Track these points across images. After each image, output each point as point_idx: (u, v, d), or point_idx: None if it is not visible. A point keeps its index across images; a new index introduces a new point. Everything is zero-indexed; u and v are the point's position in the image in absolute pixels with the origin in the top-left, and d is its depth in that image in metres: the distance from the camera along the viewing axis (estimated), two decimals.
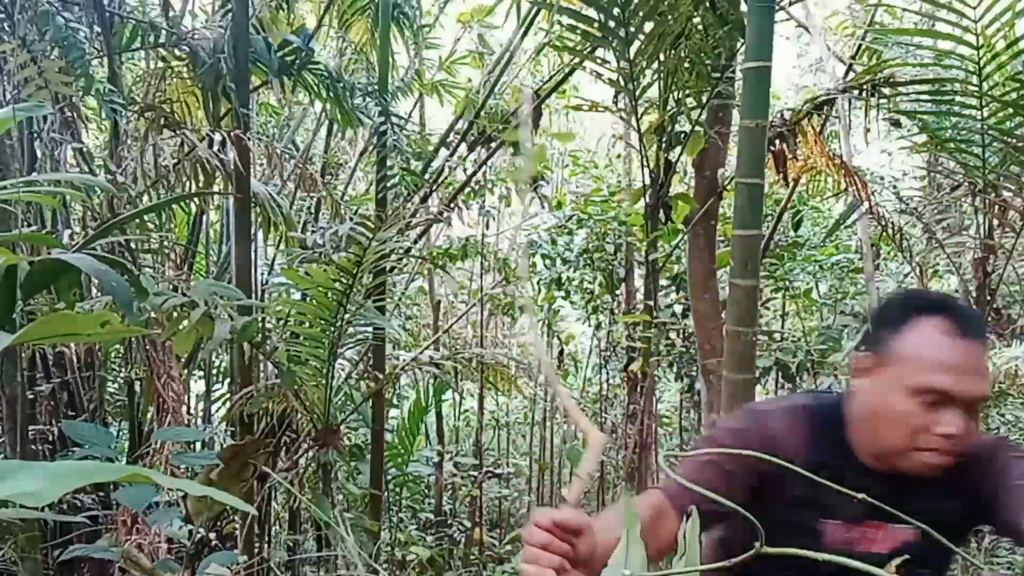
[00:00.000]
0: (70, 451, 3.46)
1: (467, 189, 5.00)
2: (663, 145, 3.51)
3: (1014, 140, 3.25)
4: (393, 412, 6.09)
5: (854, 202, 3.70)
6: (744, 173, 2.21)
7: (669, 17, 3.03)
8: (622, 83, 3.37)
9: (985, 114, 3.17)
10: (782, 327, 5.59)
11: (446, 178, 5.04)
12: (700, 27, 3.14)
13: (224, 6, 3.83)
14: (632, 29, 3.16)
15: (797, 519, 1.33)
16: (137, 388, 3.79)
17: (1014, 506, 1.24)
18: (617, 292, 5.46)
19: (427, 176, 4.73)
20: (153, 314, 2.72)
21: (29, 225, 3.28)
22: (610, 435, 5.55)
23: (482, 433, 6.02)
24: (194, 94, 4.02)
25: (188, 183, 3.50)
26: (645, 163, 3.56)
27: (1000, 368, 4.73)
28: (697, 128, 3.41)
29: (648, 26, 3.18)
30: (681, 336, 5.06)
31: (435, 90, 5.54)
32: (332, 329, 3.22)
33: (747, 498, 1.25)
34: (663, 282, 4.84)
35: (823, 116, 3.61)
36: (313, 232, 3.76)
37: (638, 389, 4.07)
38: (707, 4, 3.00)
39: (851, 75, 3.97)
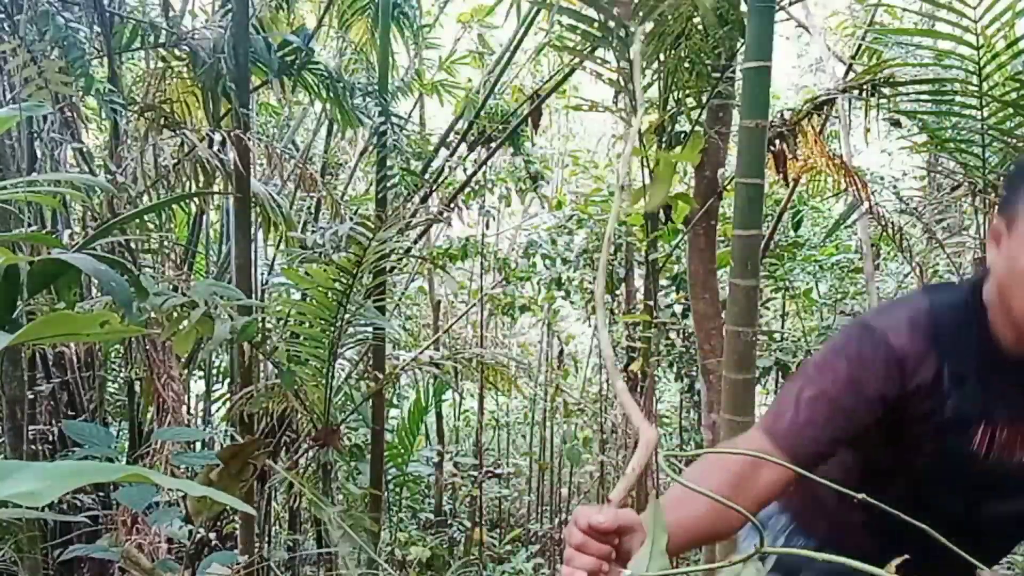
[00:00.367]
0: (70, 451, 3.46)
1: (467, 189, 5.01)
2: (663, 145, 3.51)
3: (1014, 140, 3.24)
4: (393, 412, 6.10)
5: (854, 202, 3.71)
6: (744, 173, 2.20)
7: (669, 17, 3.03)
8: (622, 83, 3.37)
9: (985, 114, 3.17)
10: (782, 327, 5.59)
11: (446, 178, 5.04)
12: (700, 27, 3.14)
13: (224, 6, 3.83)
14: (632, 29, 3.15)
15: (941, 435, 1.23)
16: (137, 388, 3.79)
17: None
18: (617, 292, 5.46)
19: (427, 176, 4.74)
20: (153, 314, 2.72)
21: (29, 225, 3.28)
22: (610, 435, 5.56)
23: (482, 433, 6.03)
24: (194, 94, 4.02)
25: (188, 183, 3.50)
26: (645, 163, 3.56)
27: None
28: (697, 128, 3.41)
29: (648, 26, 3.18)
30: (681, 336, 5.06)
31: (435, 90, 5.54)
32: (332, 329, 3.22)
33: (875, 425, 1.20)
34: (663, 282, 4.84)
35: (823, 116, 3.60)
36: (313, 232, 3.76)
37: (638, 389, 4.07)
38: (707, 5, 3.00)
39: (851, 75, 3.97)
